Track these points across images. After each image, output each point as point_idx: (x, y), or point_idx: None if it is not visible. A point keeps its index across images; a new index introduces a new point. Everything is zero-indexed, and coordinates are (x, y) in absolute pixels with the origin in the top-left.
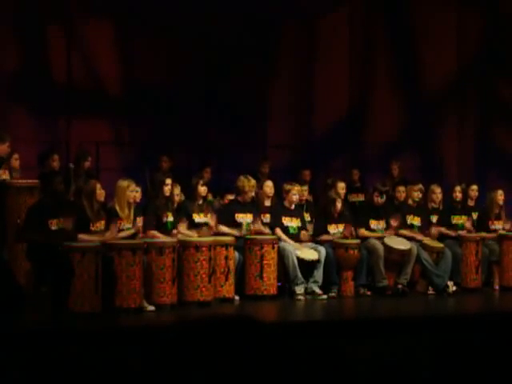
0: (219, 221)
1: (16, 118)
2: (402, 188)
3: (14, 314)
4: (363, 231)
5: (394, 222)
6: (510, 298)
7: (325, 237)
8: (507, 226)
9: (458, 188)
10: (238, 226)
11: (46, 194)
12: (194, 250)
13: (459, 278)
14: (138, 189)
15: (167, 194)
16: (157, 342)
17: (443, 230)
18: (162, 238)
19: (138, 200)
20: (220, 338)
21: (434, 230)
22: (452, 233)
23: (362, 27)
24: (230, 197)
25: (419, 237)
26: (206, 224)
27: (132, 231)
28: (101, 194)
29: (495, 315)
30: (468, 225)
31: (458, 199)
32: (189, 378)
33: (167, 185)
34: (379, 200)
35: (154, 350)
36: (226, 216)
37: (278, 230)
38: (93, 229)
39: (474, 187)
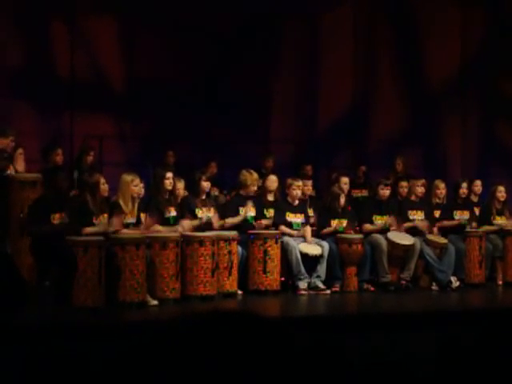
0: (223, 215)
1: (20, 113)
2: (404, 183)
3: (18, 309)
4: (367, 226)
5: (392, 223)
6: None
7: (328, 229)
8: (510, 225)
9: (464, 184)
10: (243, 219)
11: (49, 189)
12: (197, 244)
13: (463, 274)
14: (141, 184)
15: (169, 187)
16: (159, 337)
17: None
18: (164, 232)
19: (141, 195)
20: (221, 333)
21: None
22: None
23: (366, 24)
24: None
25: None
26: (209, 219)
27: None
28: (104, 188)
29: (499, 311)
30: (472, 223)
31: (464, 195)
32: (190, 372)
33: (168, 178)
34: (385, 192)
35: (156, 345)
36: (230, 210)
37: (283, 227)
38: (96, 222)
39: (478, 182)
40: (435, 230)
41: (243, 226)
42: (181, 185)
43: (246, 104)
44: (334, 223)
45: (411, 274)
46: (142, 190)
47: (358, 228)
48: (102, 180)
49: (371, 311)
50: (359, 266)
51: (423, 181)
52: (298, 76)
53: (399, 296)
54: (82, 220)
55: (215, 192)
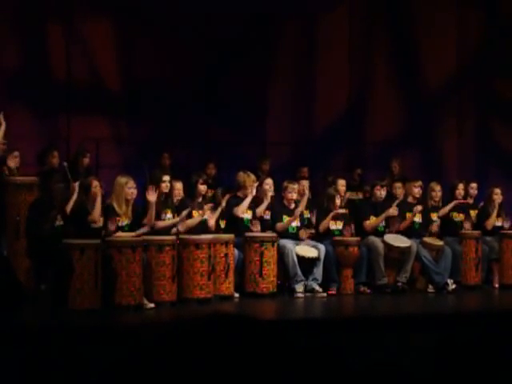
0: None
1: (16, 115)
2: (399, 184)
3: (14, 311)
4: (369, 222)
5: (395, 225)
6: (510, 296)
7: (325, 222)
8: (506, 225)
9: (461, 185)
10: (239, 221)
11: (45, 191)
12: (193, 247)
13: (459, 276)
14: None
15: (165, 190)
16: (155, 340)
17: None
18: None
19: (134, 196)
20: (218, 336)
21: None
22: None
23: (362, 25)
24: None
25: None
26: (205, 221)
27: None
28: (95, 191)
29: (495, 313)
30: (467, 225)
31: (460, 197)
32: (189, 375)
33: (164, 181)
34: (381, 193)
35: (152, 348)
36: (226, 212)
37: (280, 224)
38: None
39: (474, 185)
40: (433, 230)
41: (240, 229)
42: (179, 185)
43: (244, 105)
44: (330, 224)
45: (407, 277)
46: (135, 192)
47: (354, 230)
48: (95, 183)
49: (368, 314)
50: (356, 269)
51: (420, 182)
52: (295, 77)
53: (396, 298)
54: (80, 222)
55: (212, 192)
